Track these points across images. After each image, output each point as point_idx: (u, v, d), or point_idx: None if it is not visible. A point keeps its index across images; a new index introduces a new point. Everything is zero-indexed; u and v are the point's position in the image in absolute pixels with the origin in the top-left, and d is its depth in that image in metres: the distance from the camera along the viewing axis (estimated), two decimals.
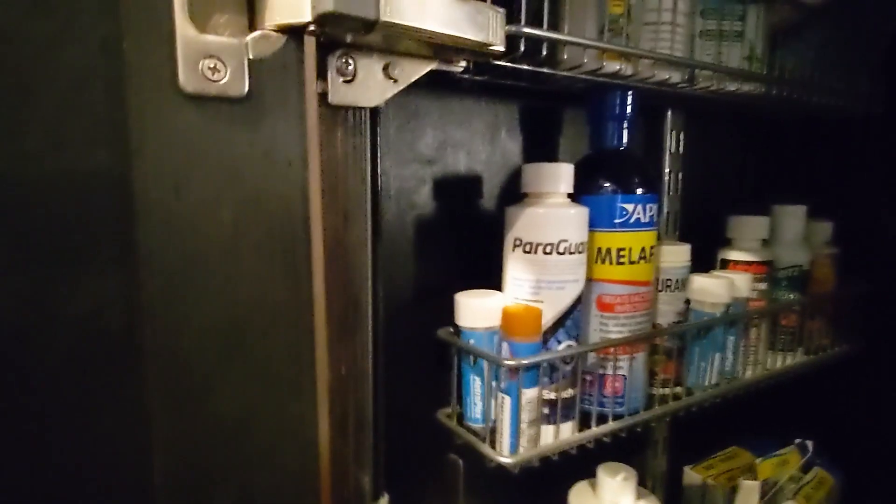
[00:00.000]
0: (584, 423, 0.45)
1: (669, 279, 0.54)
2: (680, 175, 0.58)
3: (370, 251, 0.32)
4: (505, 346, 0.40)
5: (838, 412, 0.77)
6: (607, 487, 0.50)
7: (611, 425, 0.45)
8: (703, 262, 0.58)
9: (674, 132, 0.57)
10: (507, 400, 0.40)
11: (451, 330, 0.44)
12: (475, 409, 0.43)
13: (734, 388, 0.54)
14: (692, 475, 0.66)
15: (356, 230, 0.31)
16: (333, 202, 0.30)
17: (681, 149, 0.58)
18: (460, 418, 0.44)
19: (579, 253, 0.42)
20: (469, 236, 0.51)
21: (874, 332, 0.69)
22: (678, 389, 0.55)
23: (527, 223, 0.42)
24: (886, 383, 0.72)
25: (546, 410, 0.43)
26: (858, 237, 0.69)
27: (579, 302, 0.43)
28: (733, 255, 0.58)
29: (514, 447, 0.40)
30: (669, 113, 0.58)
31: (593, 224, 0.45)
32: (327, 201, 0.29)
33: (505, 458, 0.40)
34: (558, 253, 0.41)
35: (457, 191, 0.50)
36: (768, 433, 0.77)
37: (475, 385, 0.43)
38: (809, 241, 0.64)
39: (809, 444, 0.71)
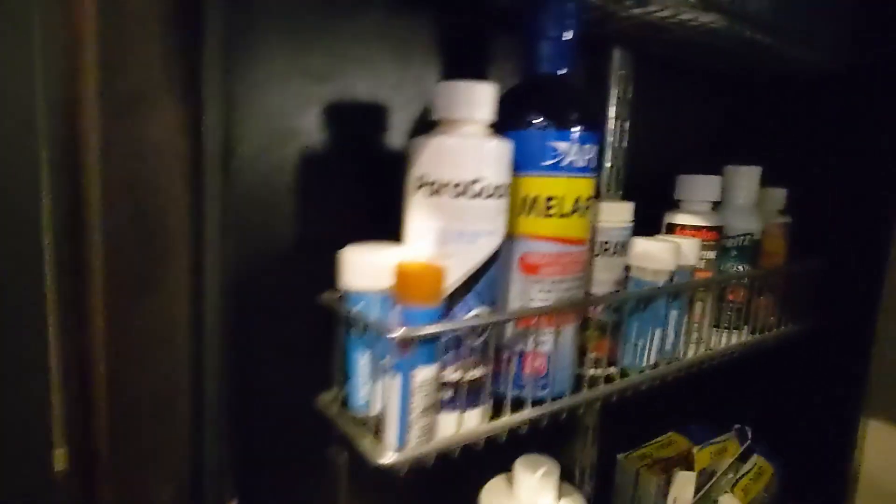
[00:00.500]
0: (498, 410, 0.36)
1: (607, 242, 0.46)
2: (626, 124, 0.50)
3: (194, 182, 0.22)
4: (397, 312, 0.31)
5: (781, 396, 0.73)
6: (525, 485, 0.42)
7: (528, 412, 0.36)
8: (648, 226, 0.50)
9: (622, 74, 0.49)
10: (396, 381, 0.31)
11: (340, 295, 0.35)
12: (361, 392, 0.34)
13: (674, 370, 0.48)
14: (625, 465, 0.60)
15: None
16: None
17: (629, 94, 0.50)
18: (345, 404, 0.35)
19: (498, 198, 0.34)
20: (370, 177, 0.41)
21: (824, 311, 0.64)
22: (612, 370, 0.47)
23: (433, 157, 0.33)
24: (833, 366, 0.68)
25: (448, 394, 0.34)
26: (812, 208, 0.64)
27: (496, 260, 0.34)
28: (681, 218, 0.51)
29: (402, 441, 0.31)
30: (617, 52, 0.49)
31: (518, 167, 0.36)
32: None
33: (386, 458, 0.31)
34: (471, 196, 0.32)
35: (355, 119, 0.40)
36: (708, 418, 0.72)
37: (362, 362, 0.34)
38: (762, 209, 0.58)
39: (749, 430, 0.66)
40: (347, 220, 0.41)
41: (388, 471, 0.32)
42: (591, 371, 0.47)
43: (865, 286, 0.65)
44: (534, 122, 0.36)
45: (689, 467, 0.57)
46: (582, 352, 0.46)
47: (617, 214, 0.46)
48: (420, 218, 0.33)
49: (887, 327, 0.67)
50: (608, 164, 0.50)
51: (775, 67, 0.60)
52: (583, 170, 0.37)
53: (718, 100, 0.68)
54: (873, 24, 0.59)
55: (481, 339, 0.34)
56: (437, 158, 0.32)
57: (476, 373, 0.35)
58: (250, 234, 0.37)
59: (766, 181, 0.57)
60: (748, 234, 0.53)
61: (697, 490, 0.56)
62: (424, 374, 0.31)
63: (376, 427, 0.33)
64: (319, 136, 0.39)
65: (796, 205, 0.59)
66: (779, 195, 0.58)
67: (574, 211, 0.37)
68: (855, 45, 0.60)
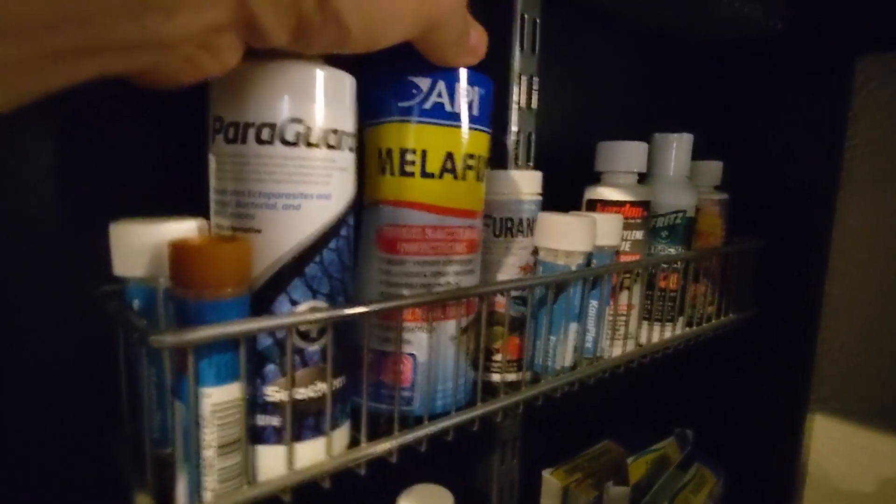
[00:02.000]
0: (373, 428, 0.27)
1: (510, 219, 0.37)
2: (535, 83, 0.42)
3: None
4: (171, 308, 0.22)
5: (722, 391, 0.66)
6: None
7: (388, 442, 0.27)
8: (566, 202, 0.42)
9: (526, 18, 0.41)
10: (179, 407, 0.22)
11: (114, 287, 0.25)
12: (153, 420, 0.24)
13: (597, 371, 0.40)
14: (552, 481, 0.52)
15: None
16: None
17: (536, 47, 0.42)
18: (139, 440, 0.25)
19: (330, 147, 0.24)
20: (165, 123, 0.31)
21: (765, 297, 0.58)
22: (525, 375, 0.39)
23: (231, 89, 0.23)
24: (776, 356, 0.62)
25: (273, 421, 0.25)
26: (750, 183, 0.57)
27: (337, 234, 0.25)
28: (601, 192, 0.43)
29: (194, 493, 0.22)
30: None
31: (373, 112, 0.28)
32: None
33: None
34: (285, 142, 0.23)
35: None
36: (646, 420, 0.65)
37: (147, 380, 0.24)
38: (696, 184, 0.51)
39: (690, 433, 0.59)
40: (136, 184, 0.31)
41: None
42: (497, 376, 0.39)
43: (809, 268, 0.59)
44: (393, 51, 0.27)
45: (623, 481, 0.50)
46: (488, 353, 0.38)
47: (522, 185, 0.37)
48: (219, 178, 0.24)
49: (832, 311, 0.61)
50: (514, 129, 0.42)
51: (710, 23, 0.53)
52: (459, 118, 0.28)
53: (646, 58, 0.61)
54: None
55: (317, 343, 0.25)
56: (236, 91, 0.23)
57: (313, 390, 0.25)
58: None
59: (700, 153, 0.50)
60: (680, 210, 0.46)
61: None
62: (221, 395, 0.22)
63: (166, 474, 0.23)
64: None
65: (732, 179, 0.53)
66: (714, 168, 0.51)
67: (447, 171, 0.28)
68: (792, 4, 0.54)
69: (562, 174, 0.45)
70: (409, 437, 0.28)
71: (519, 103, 0.42)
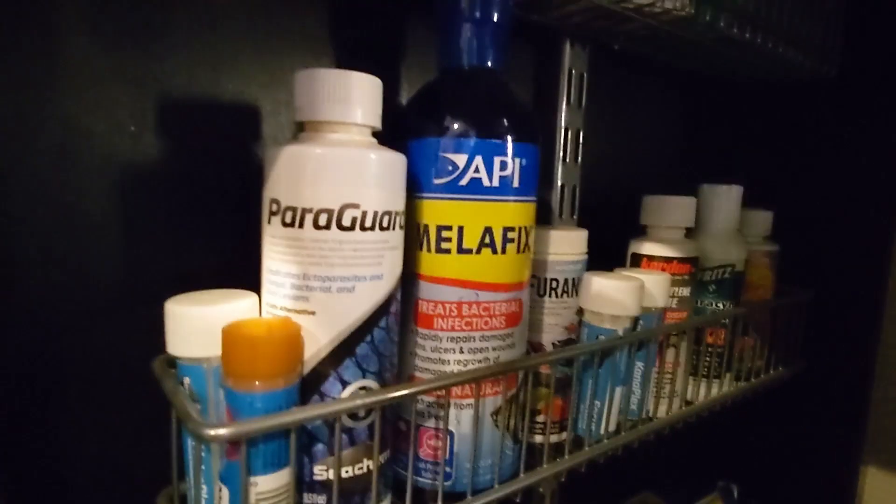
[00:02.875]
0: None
1: (556, 279, 0.37)
2: (581, 135, 0.42)
3: None
4: (222, 397, 0.22)
5: (770, 445, 0.64)
6: None
7: None
8: (610, 258, 0.42)
9: (574, 73, 0.41)
10: (225, 493, 0.22)
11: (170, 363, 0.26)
12: (201, 493, 0.25)
13: (642, 434, 0.38)
14: None
15: None
16: None
17: (583, 99, 0.42)
18: None
19: (384, 229, 0.25)
20: (226, 202, 0.32)
21: (816, 351, 0.55)
22: (564, 436, 0.38)
23: (288, 173, 0.24)
24: (828, 410, 0.59)
25: (320, 500, 0.25)
26: (801, 233, 0.55)
27: (386, 313, 0.25)
28: (648, 247, 0.42)
29: None
30: (568, 46, 0.41)
31: (414, 186, 0.28)
32: None
33: None
34: (341, 227, 0.23)
35: (208, 124, 0.31)
36: (689, 473, 0.63)
37: (194, 456, 0.24)
38: (745, 235, 0.49)
39: (735, 488, 0.57)
40: (197, 259, 0.31)
41: None
42: (540, 437, 0.38)
43: (862, 318, 0.57)
44: (427, 124, 0.27)
45: None
46: (533, 414, 0.37)
47: (567, 245, 0.37)
48: (274, 258, 0.24)
49: (886, 364, 0.58)
50: (559, 183, 0.42)
51: (756, 70, 0.52)
52: (498, 191, 0.28)
53: (692, 104, 0.60)
54: (866, 26, 0.51)
55: (365, 422, 0.25)
56: (292, 175, 0.23)
57: (359, 467, 0.25)
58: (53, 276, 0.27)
59: (749, 201, 0.48)
60: (729, 265, 0.45)
61: None
62: (269, 482, 0.22)
63: None
64: (151, 142, 0.30)
65: (782, 229, 0.51)
66: (763, 219, 0.50)
67: (485, 245, 0.28)
68: (847, 49, 0.53)
69: (606, 226, 0.44)
70: None
71: (564, 158, 0.42)
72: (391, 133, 0.28)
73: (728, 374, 0.47)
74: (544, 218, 0.42)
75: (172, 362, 0.25)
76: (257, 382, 0.21)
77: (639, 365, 0.38)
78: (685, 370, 0.43)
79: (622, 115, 0.52)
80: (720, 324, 0.44)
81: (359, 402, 0.23)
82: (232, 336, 0.21)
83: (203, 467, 0.24)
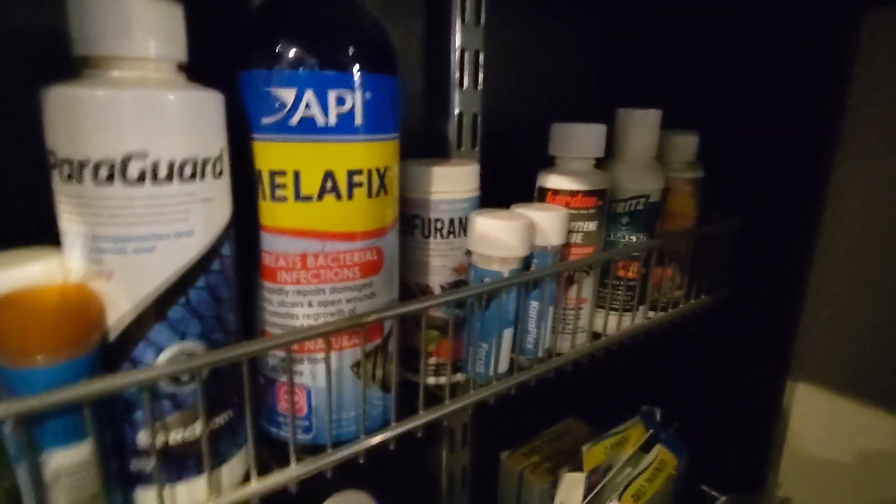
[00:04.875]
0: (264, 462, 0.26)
1: (440, 219, 0.35)
2: (481, 57, 0.38)
3: None
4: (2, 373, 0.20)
5: (696, 367, 0.65)
6: None
7: (282, 474, 0.26)
8: (520, 193, 0.39)
9: None
10: (21, 471, 0.21)
11: None
12: (9, 479, 0.23)
13: (537, 375, 0.38)
14: (508, 465, 0.52)
15: None
16: None
17: (482, 16, 0.38)
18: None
19: (189, 179, 0.22)
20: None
21: (750, 269, 0.54)
22: (458, 377, 0.38)
23: (62, 120, 0.20)
24: (756, 332, 0.60)
25: (147, 465, 0.24)
26: (732, 153, 0.53)
27: (206, 270, 0.23)
28: (552, 180, 0.40)
29: None
30: None
31: (245, 128, 0.25)
32: None
33: None
34: (127, 181, 0.21)
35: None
36: (614, 399, 0.64)
37: None
38: (666, 161, 0.47)
39: (657, 411, 0.58)
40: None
41: None
42: (433, 380, 0.37)
43: (797, 237, 0.56)
44: (254, 56, 0.24)
45: (581, 466, 0.49)
46: (426, 355, 0.37)
47: (450, 183, 0.34)
48: (62, 219, 0.22)
49: (821, 281, 0.58)
50: (456, 111, 0.38)
51: None
52: (337, 130, 0.25)
53: (607, 23, 0.54)
54: None
55: (190, 385, 0.24)
56: (65, 123, 0.20)
57: (190, 431, 0.24)
58: None
59: (674, 124, 0.45)
60: (642, 195, 0.43)
61: (588, 491, 0.48)
62: (66, 457, 0.21)
63: None
64: None
65: (710, 152, 0.48)
66: (687, 143, 0.47)
67: (328, 191, 0.25)
68: None
69: (514, 159, 0.41)
70: (308, 468, 0.27)
71: (461, 83, 0.38)
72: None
73: (641, 308, 0.46)
74: (441, 150, 0.39)
75: None
76: (31, 357, 0.19)
77: (533, 304, 0.37)
78: (591, 305, 0.42)
79: (529, 33, 0.47)
80: (630, 257, 0.43)
81: (163, 371, 0.22)
82: (4, 306, 0.19)
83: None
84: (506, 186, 0.38)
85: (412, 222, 0.35)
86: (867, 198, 0.54)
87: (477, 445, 0.50)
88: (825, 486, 0.63)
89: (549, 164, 0.42)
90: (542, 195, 0.41)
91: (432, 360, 0.37)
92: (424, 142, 0.41)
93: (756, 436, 0.63)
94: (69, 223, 0.21)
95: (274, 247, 0.26)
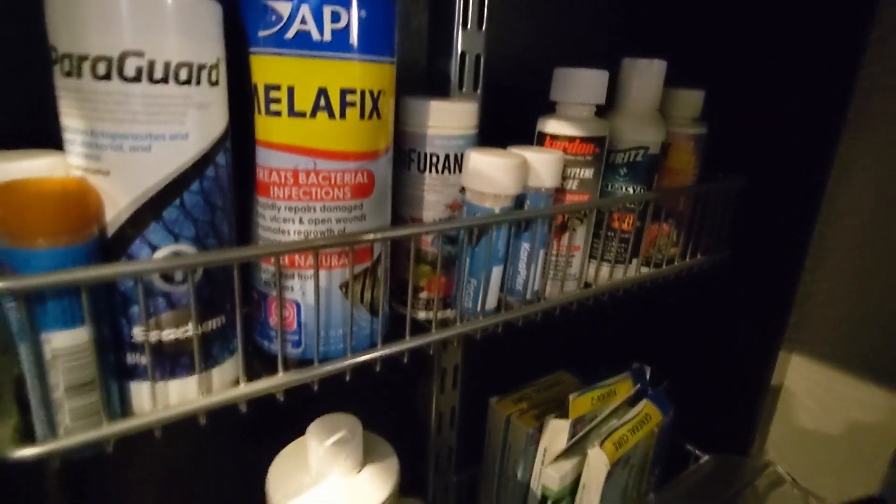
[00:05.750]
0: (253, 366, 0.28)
1: (436, 154, 0.35)
2: None
3: None
4: (5, 255, 0.21)
5: (694, 332, 0.65)
6: (316, 454, 0.35)
7: (270, 381, 0.28)
8: (520, 138, 0.40)
9: None
10: (23, 351, 0.22)
11: None
12: (13, 362, 0.25)
13: (524, 315, 0.39)
14: (497, 410, 0.53)
15: None
16: None
17: None
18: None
19: (184, 83, 0.23)
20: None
21: (750, 236, 0.55)
22: (447, 313, 0.39)
23: (64, 15, 0.21)
24: (755, 298, 0.60)
25: (140, 360, 0.25)
26: (734, 114, 0.52)
27: (200, 175, 0.24)
28: (551, 125, 0.40)
29: (48, 428, 0.23)
30: None
31: (243, 41, 0.25)
32: None
33: (21, 450, 0.22)
34: (124, 78, 0.21)
35: None
36: (606, 355, 0.65)
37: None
38: (669, 116, 0.47)
39: (647, 369, 0.59)
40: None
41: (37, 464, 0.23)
42: (423, 314, 0.38)
43: (800, 207, 0.55)
44: None
45: (567, 414, 0.50)
46: (416, 290, 0.38)
47: (447, 118, 0.35)
48: (64, 114, 0.23)
49: (822, 253, 0.58)
50: (458, 51, 0.38)
51: None
52: (332, 47, 0.25)
53: None
54: None
55: (184, 286, 0.25)
56: (67, 18, 0.21)
57: (183, 331, 0.25)
58: None
59: (678, 80, 0.45)
60: (642, 147, 0.43)
61: (571, 438, 0.50)
62: (64, 339, 0.22)
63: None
64: None
65: (717, 108, 0.48)
66: (692, 98, 0.47)
67: (320, 109, 0.26)
68: None
69: (515, 103, 0.41)
70: (294, 377, 0.28)
71: (465, 22, 0.38)
72: None
73: (634, 261, 0.46)
74: (443, 90, 0.40)
75: None
76: (33, 239, 0.20)
77: (524, 246, 0.38)
78: (583, 253, 0.43)
79: None
80: (625, 208, 0.43)
81: (151, 265, 0.23)
82: (6, 192, 0.20)
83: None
84: (505, 131, 0.39)
85: (408, 156, 0.35)
86: (876, 169, 0.54)
87: (468, 389, 0.52)
88: (811, 455, 0.64)
89: (549, 110, 0.42)
90: (541, 140, 0.41)
91: (423, 295, 0.38)
92: (426, 81, 0.41)
93: (744, 401, 0.64)
94: (69, 118, 0.22)
95: (267, 161, 0.27)
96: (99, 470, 0.37)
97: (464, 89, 0.40)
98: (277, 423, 0.39)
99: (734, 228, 0.53)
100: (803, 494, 0.63)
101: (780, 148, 0.54)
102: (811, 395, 0.65)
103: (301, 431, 0.38)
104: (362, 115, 0.27)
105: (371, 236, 0.28)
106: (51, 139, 0.24)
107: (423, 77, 0.41)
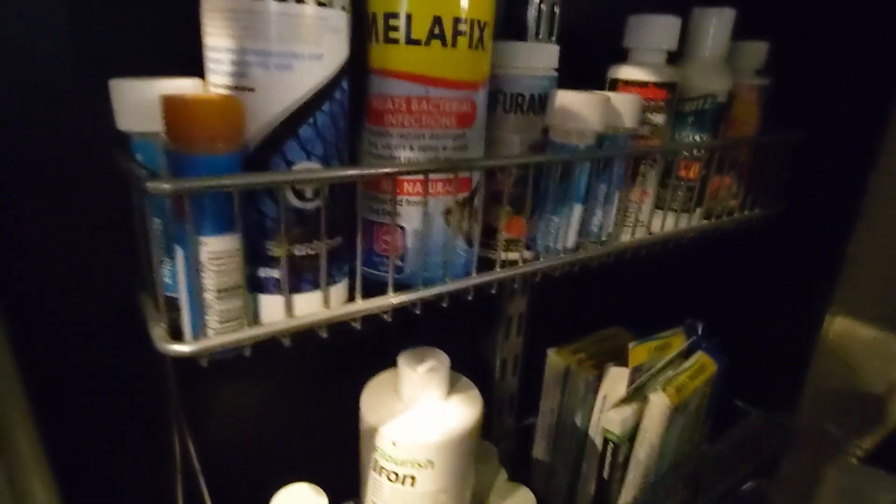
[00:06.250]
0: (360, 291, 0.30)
1: (521, 94, 0.36)
2: None
3: None
4: (167, 161, 0.23)
5: (743, 288, 0.66)
6: (408, 381, 0.36)
7: (381, 300, 0.29)
8: (592, 84, 0.41)
9: None
10: (180, 253, 0.24)
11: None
12: (164, 268, 0.27)
13: (600, 255, 0.40)
14: (555, 359, 0.55)
15: None
16: None
17: None
18: (155, 287, 0.28)
19: (321, 4, 0.24)
20: None
21: (801, 194, 0.55)
22: (526, 254, 0.40)
23: None
24: (805, 257, 0.61)
25: (272, 273, 0.27)
26: (797, 68, 0.53)
27: (329, 97, 0.26)
28: (624, 71, 0.41)
29: (197, 328, 0.25)
30: None
31: None
32: None
33: (174, 347, 0.24)
34: None
35: None
36: (660, 311, 0.66)
37: (157, 230, 0.26)
38: (735, 67, 0.47)
39: (699, 325, 0.60)
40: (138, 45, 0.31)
41: (189, 360, 0.25)
42: (504, 255, 0.40)
43: (853, 166, 0.56)
44: None
45: (625, 363, 0.52)
46: (492, 231, 0.39)
47: (535, 59, 0.36)
48: (211, 34, 0.24)
49: (871, 214, 0.58)
50: (537, 1, 0.39)
51: None
52: None
53: None
54: None
55: (312, 203, 0.26)
56: None
57: (309, 247, 0.27)
58: None
59: (744, 32, 0.46)
60: (710, 95, 0.44)
61: (630, 385, 0.51)
62: (217, 244, 0.24)
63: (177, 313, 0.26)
64: None
65: (776, 63, 0.49)
66: (757, 50, 0.47)
67: (434, 37, 0.27)
68: None
69: (589, 51, 0.42)
70: (402, 298, 0.30)
71: None
72: None
73: (698, 210, 0.47)
74: (520, 38, 0.41)
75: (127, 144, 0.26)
76: (197, 144, 0.22)
77: (602, 187, 0.39)
78: (653, 201, 0.44)
79: None
80: (693, 156, 0.44)
81: (300, 175, 0.24)
82: (170, 100, 0.22)
83: (162, 238, 0.26)
84: (579, 79, 0.40)
85: (495, 97, 0.36)
86: None
87: (530, 339, 0.53)
88: (855, 413, 0.65)
89: (624, 58, 0.43)
90: (614, 86, 0.42)
91: (504, 236, 0.39)
92: (503, 29, 0.42)
93: (792, 358, 0.65)
94: (217, 38, 0.24)
95: (382, 89, 0.28)
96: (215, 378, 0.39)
97: (540, 36, 0.41)
98: (367, 356, 0.41)
99: (791, 182, 0.53)
100: (846, 451, 0.64)
101: (837, 106, 0.54)
102: (858, 353, 0.65)
103: (380, 367, 0.40)
104: (470, 45, 0.29)
105: (479, 163, 0.29)
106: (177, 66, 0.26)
107: (501, 25, 0.42)
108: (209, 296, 0.24)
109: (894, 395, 0.63)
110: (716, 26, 0.43)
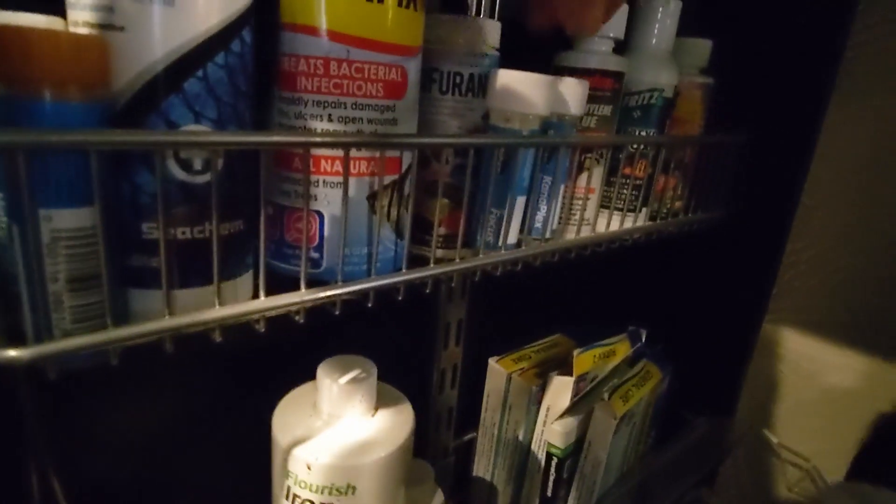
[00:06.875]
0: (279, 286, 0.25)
1: (460, 73, 0.33)
2: None
3: None
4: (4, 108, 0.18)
5: (683, 294, 0.65)
6: (327, 394, 0.32)
7: (291, 298, 0.25)
8: (536, 71, 0.38)
9: None
10: (16, 232, 0.19)
11: None
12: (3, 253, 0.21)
13: (543, 252, 0.37)
14: (497, 369, 0.51)
15: None
16: None
17: None
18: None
19: None
20: None
21: (738, 200, 0.55)
22: (463, 252, 0.36)
23: None
24: (742, 263, 0.60)
25: (146, 262, 0.22)
26: (737, 69, 0.52)
27: (226, 47, 0.21)
28: (569, 58, 0.39)
29: (39, 329, 0.19)
30: None
31: None
32: None
33: (10, 351, 0.19)
34: None
35: None
36: (601, 318, 0.64)
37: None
38: (678, 64, 0.46)
39: (643, 332, 0.58)
40: None
41: (36, 371, 0.20)
42: (440, 252, 0.36)
43: (787, 174, 0.56)
44: None
45: (569, 372, 0.49)
46: (427, 226, 0.35)
47: (475, 35, 0.33)
48: None
49: (804, 222, 0.59)
50: None
51: None
52: None
53: None
54: None
55: (202, 177, 0.22)
56: None
57: (199, 231, 0.22)
58: None
59: (686, 29, 0.45)
60: (657, 89, 0.42)
61: (574, 396, 0.48)
62: (66, 220, 0.19)
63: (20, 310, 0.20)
64: None
65: (719, 63, 0.48)
66: (701, 47, 0.46)
67: None
68: None
69: (531, 37, 0.39)
70: (317, 294, 0.26)
71: None
72: None
73: (644, 210, 0.45)
74: (456, 12, 0.38)
75: None
76: (39, 85, 0.17)
77: (546, 179, 0.36)
78: (598, 198, 0.41)
79: None
80: (640, 152, 0.42)
81: (180, 138, 0.20)
82: (6, 30, 0.17)
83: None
84: (520, 67, 0.37)
85: (430, 76, 0.33)
86: (859, 138, 0.55)
87: (468, 349, 0.49)
88: (792, 418, 0.65)
89: (569, 46, 0.40)
90: (559, 74, 0.39)
91: (441, 231, 0.36)
92: (441, 5, 0.39)
93: (730, 365, 0.64)
94: None
95: (294, 47, 0.24)
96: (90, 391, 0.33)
97: (482, 14, 0.38)
98: (280, 367, 0.36)
99: (733, 185, 0.53)
100: (787, 456, 0.64)
101: (771, 111, 0.54)
102: (792, 360, 0.66)
103: (300, 381, 0.35)
104: (400, 2, 0.25)
105: (409, 140, 0.25)
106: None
107: (438, 1, 0.39)
108: (57, 286, 0.19)
109: (825, 398, 0.63)
110: (662, 17, 0.41)
